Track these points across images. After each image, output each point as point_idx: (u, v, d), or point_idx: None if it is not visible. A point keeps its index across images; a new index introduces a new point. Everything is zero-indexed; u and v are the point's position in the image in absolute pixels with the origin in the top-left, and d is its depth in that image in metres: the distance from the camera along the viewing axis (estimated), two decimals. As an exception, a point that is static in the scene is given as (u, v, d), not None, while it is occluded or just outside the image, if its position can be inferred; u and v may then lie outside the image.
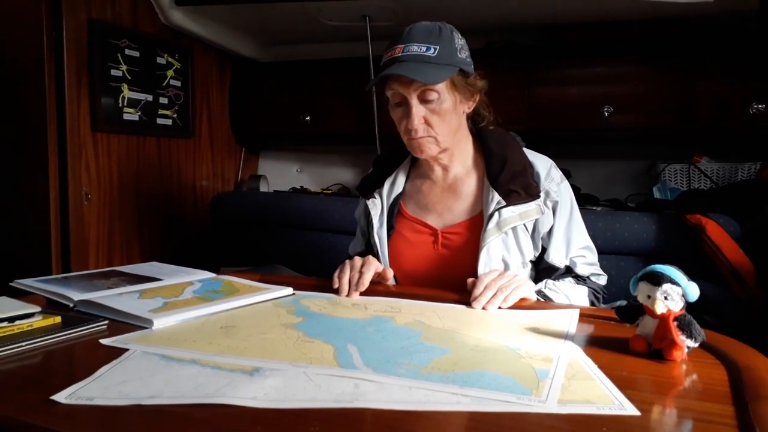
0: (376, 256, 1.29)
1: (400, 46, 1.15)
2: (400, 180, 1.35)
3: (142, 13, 2.19)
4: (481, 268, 1.18)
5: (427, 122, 1.18)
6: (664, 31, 2.07)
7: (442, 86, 1.16)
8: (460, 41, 1.19)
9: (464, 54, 1.19)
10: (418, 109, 1.16)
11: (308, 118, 2.60)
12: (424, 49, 1.13)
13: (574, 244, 1.24)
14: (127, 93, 2.14)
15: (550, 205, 1.23)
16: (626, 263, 1.83)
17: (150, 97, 2.25)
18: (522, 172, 1.23)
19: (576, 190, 1.69)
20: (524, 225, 1.22)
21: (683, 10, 1.79)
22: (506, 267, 1.21)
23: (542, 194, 1.23)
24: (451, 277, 1.21)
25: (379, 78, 1.16)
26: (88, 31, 1.97)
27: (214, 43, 2.51)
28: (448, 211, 1.29)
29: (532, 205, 1.21)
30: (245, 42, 2.66)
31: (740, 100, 1.95)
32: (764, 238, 1.67)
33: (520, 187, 1.21)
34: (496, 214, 1.19)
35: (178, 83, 2.39)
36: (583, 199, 2.16)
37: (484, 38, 2.35)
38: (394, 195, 1.33)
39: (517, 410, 0.59)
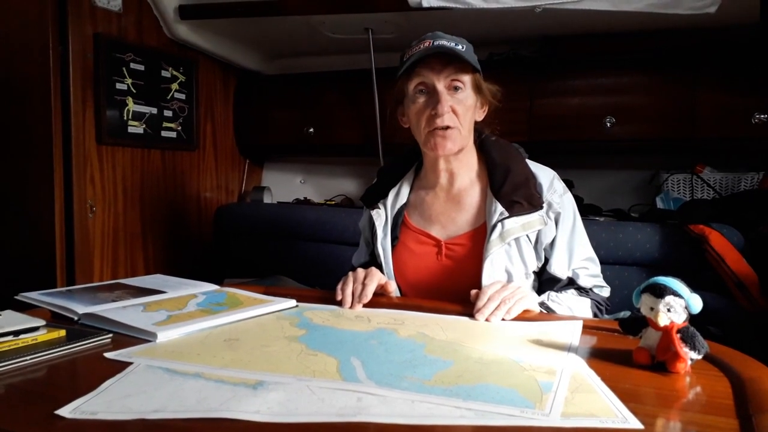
0: (380, 266, 1.29)
1: (429, 41, 1.18)
2: (405, 191, 1.36)
3: (147, 27, 2.22)
4: (485, 279, 1.18)
5: (453, 111, 1.20)
6: (666, 42, 2.08)
7: (468, 81, 1.20)
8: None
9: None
10: (446, 97, 1.19)
11: (312, 129, 2.62)
12: (454, 44, 1.18)
13: (577, 255, 1.25)
14: (131, 106, 2.16)
15: (552, 216, 1.23)
16: (629, 274, 1.83)
17: (155, 110, 2.27)
18: (525, 183, 1.24)
19: (579, 200, 1.69)
20: (527, 236, 1.22)
21: (685, 21, 1.80)
22: (509, 277, 1.21)
23: (545, 205, 1.23)
24: (454, 287, 1.21)
25: (419, 56, 1.17)
26: (93, 45, 1.99)
27: (219, 56, 2.53)
28: (452, 222, 1.29)
29: (534, 216, 1.21)
30: (249, 55, 2.68)
31: (742, 111, 1.95)
32: (768, 248, 1.67)
33: (523, 198, 1.22)
34: (499, 225, 1.20)
35: (183, 96, 2.40)
36: (585, 210, 2.16)
37: (486, 50, 2.37)
38: (398, 206, 1.33)
39: (520, 424, 0.59)
